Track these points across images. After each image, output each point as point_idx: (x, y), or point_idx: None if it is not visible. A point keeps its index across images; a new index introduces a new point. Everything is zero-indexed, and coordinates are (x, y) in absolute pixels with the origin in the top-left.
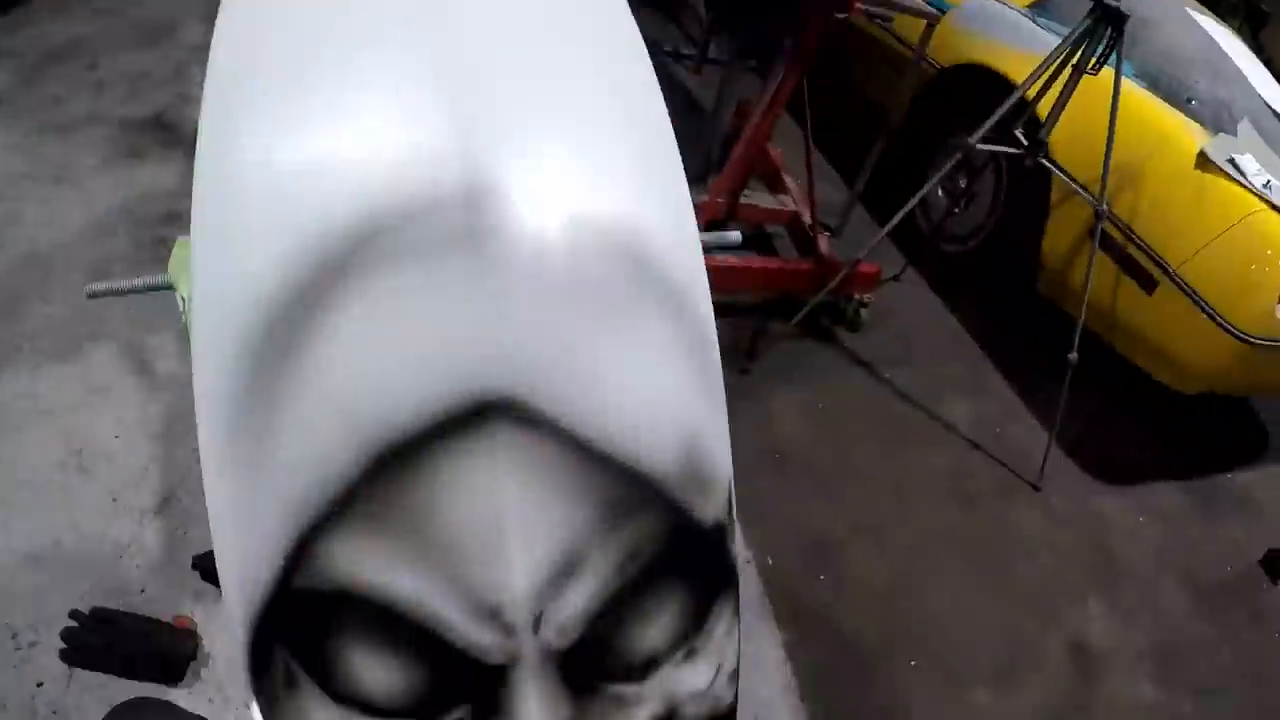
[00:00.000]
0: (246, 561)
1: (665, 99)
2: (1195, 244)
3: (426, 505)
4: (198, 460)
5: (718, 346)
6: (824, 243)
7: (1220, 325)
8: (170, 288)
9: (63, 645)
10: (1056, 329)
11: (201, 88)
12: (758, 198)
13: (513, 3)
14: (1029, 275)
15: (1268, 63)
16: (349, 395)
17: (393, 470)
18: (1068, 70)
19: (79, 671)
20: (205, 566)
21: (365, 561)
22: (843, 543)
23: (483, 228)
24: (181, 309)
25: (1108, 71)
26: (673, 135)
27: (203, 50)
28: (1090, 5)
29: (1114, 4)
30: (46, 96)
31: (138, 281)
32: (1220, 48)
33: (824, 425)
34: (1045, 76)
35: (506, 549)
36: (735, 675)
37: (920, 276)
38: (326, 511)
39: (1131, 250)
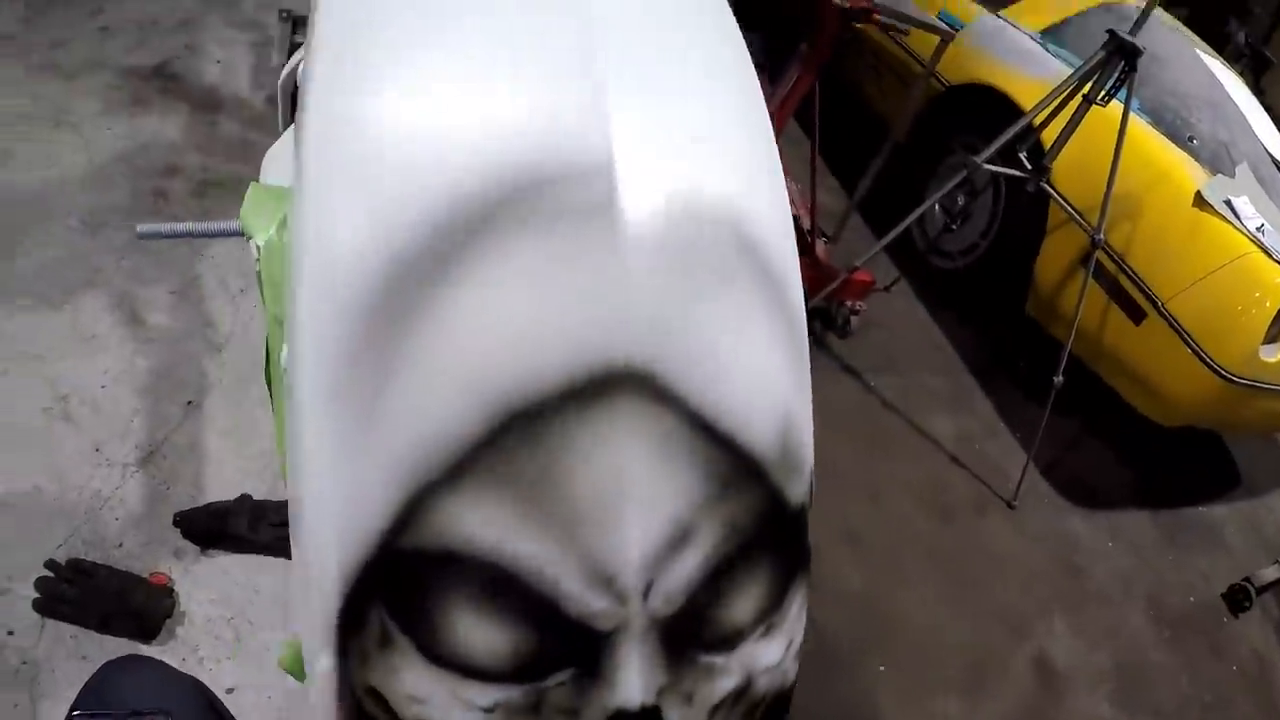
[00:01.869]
0: (347, 516)
1: None
2: (1186, 280)
3: (551, 472)
4: (185, 416)
5: (808, 337)
6: (821, 248)
7: (1204, 362)
8: (237, 234)
9: (36, 595)
10: (1041, 351)
11: (208, 42)
12: None
13: None
14: (1019, 296)
15: (1268, 108)
16: (478, 358)
17: (519, 435)
18: (1077, 99)
19: (51, 622)
20: (187, 524)
21: (484, 525)
22: (818, 545)
23: (616, 201)
24: (256, 256)
25: (1115, 104)
26: (772, 132)
27: (211, 2)
28: (1104, 38)
29: (1129, 39)
30: (49, 38)
31: (196, 226)
32: (1225, 90)
33: None
34: (1054, 105)
35: (626, 517)
36: (800, 653)
37: (911, 288)
38: (446, 472)
39: (1123, 281)
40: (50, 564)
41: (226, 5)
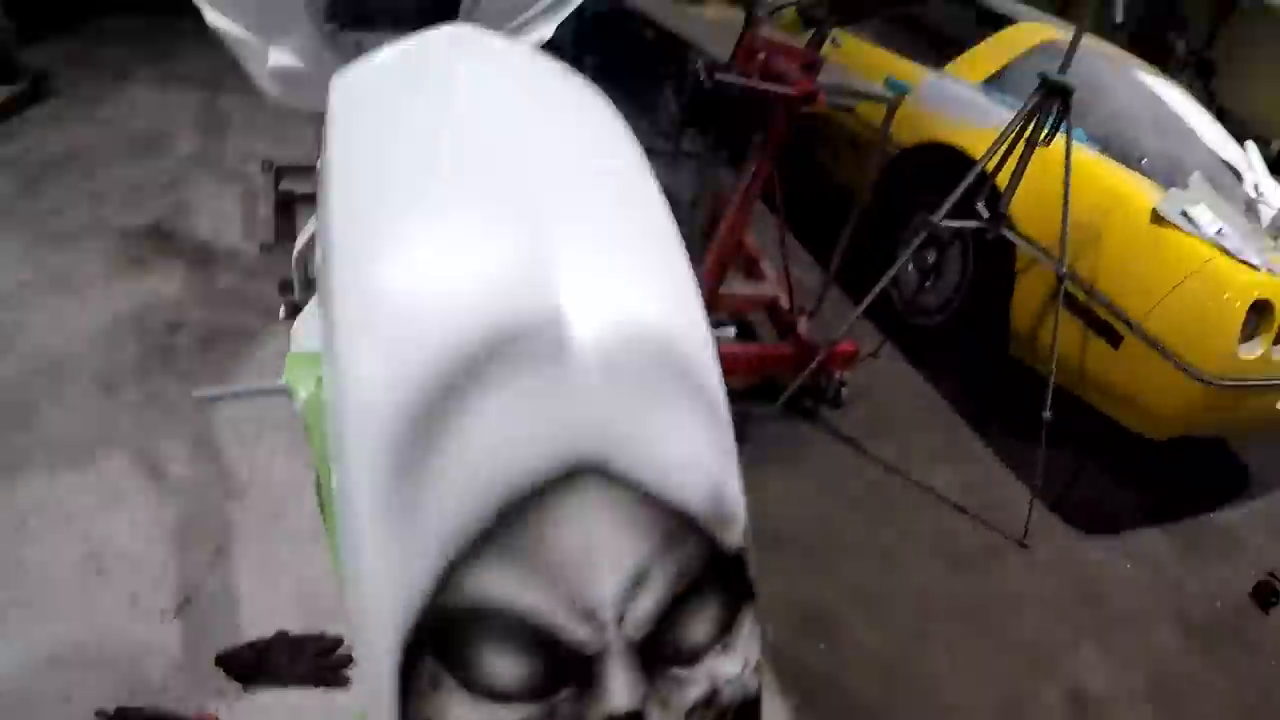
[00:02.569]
0: (398, 591)
1: None
2: (1156, 296)
3: (542, 542)
4: (215, 562)
5: (730, 415)
6: (802, 325)
7: (1186, 371)
8: (283, 392)
9: None
10: (1031, 389)
11: (197, 198)
12: (736, 285)
13: (552, 150)
14: (1000, 341)
15: (1220, 110)
16: (483, 466)
17: (516, 517)
18: (1022, 143)
19: None
20: (229, 663)
21: (499, 585)
22: (838, 612)
23: (568, 340)
24: (299, 409)
25: (1061, 140)
26: (682, 246)
27: (196, 160)
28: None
29: (1059, 79)
30: (46, 207)
31: (253, 386)
32: (1167, 105)
33: (813, 501)
34: (1001, 151)
35: (598, 568)
36: (759, 669)
37: (896, 350)
38: (467, 549)
39: (1095, 308)
40: (100, 713)
41: (209, 161)
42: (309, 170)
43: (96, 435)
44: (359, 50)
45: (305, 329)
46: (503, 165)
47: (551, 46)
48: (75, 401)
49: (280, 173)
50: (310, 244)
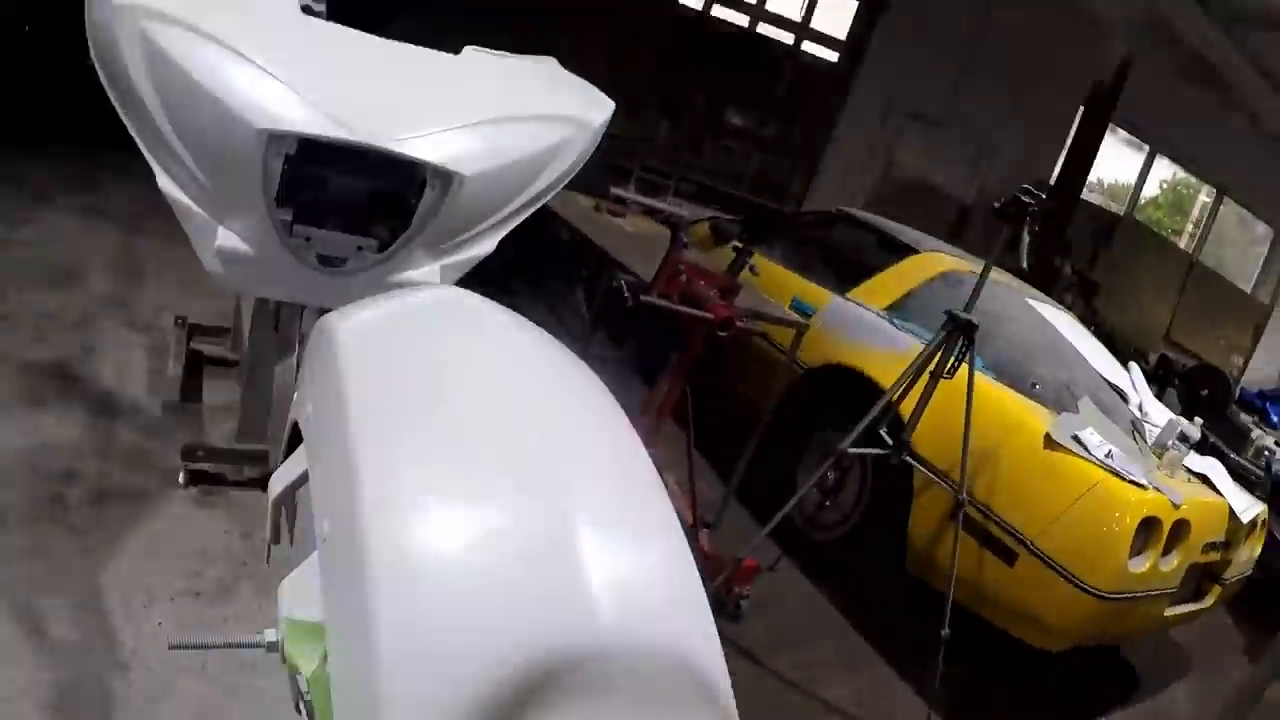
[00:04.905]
0: None
1: None
2: (1050, 516)
3: None
4: None
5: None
6: (705, 538)
7: (1078, 587)
8: (268, 648)
9: None
10: (926, 604)
11: (104, 343)
12: None
13: (558, 419)
14: (897, 557)
15: (1101, 327)
16: None
17: None
18: (926, 374)
19: None
20: None
21: None
22: None
23: (610, 675)
24: (305, 689)
25: (961, 370)
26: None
27: (108, 302)
28: (941, 305)
29: (964, 316)
30: None
31: (227, 639)
32: (1058, 332)
33: None
34: (906, 382)
35: None
36: None
37: (794, 564)
38: None
39: (992, 528)
40: None
41: (122, 305)
42: (221, 331)
43: None
44: (308, 245)
45: (299, 592)
46: (524, 443)
47: None
48: None
49: (192, 330)
50: (296, 486)
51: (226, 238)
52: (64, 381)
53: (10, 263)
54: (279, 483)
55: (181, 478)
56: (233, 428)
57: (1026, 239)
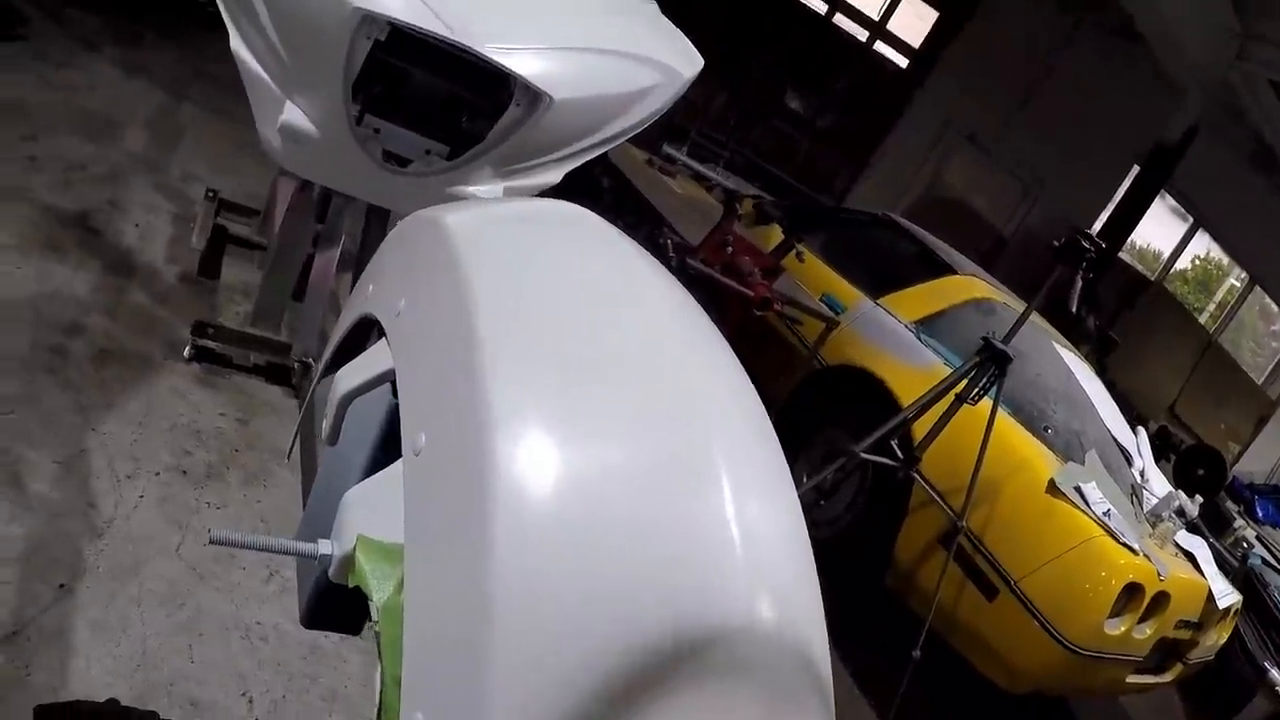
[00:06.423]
0: None
1: None
2: (1038, 561)
3: None
4: (55, 599)
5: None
6: None
7: (1052, 636)
8: (309, 556)
9: None
10: (898, 622)
11: (131, 202)
12: None
13: (686, 357)
14: (879, 570)
15: (1110, 386)
16: None
17: None
18: (951, 395)
19: None
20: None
21: None
22: None
23: (739, 661)
24: (375, 616)
25: (984, 399)
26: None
27: (141, 161)
28: (971, 330)
29: (1001, 346)
30: None
31: (270, 541)
32: (1077, 381)
33: None
34: (928, 399)
35: None
36: None
37: None
38: None
39: (979, 561)
40: None
41: (154, 166)
42: (251, 212)
43: None
44: (375, 137)
45: (366, 503)
46: (662, 380)
47: None
48: None
49: (222, 205)
50: (370, 387)
51: (292, 114)
52: (84, 233)
53: (46, 105)
54: (348, 379)
55: (187, 351)
56: (247, 311)
57: (1079, 284)
